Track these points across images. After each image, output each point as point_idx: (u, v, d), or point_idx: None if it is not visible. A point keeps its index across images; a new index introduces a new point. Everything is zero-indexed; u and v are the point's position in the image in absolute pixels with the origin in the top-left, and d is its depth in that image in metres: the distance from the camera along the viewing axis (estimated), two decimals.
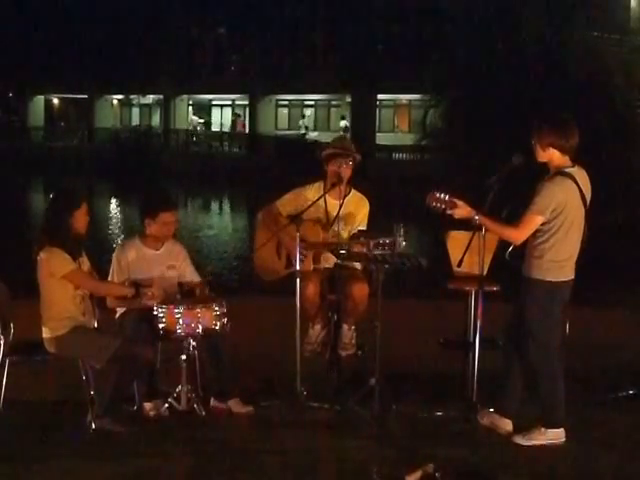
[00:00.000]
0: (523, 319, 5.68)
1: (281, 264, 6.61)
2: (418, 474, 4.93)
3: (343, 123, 44.29)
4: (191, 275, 6.47)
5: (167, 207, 6.34)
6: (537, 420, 5.71)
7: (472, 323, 6.37)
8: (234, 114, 48.43)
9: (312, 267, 6.48)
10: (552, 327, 5.66)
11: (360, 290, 6.26)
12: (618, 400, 6.48)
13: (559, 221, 5.55)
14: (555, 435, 5.66)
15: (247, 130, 46.35)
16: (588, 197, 5.69)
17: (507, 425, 5.83)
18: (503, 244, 5.83)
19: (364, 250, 5.90)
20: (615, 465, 5.38)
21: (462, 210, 5.66)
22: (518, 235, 5.60)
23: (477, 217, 5.63)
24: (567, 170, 5.59)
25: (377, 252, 5.82)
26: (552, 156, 5.63)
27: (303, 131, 44.09)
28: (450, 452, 5.46)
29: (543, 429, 5.66)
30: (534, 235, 5.61)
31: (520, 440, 5.68)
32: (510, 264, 5.72)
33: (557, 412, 5.67)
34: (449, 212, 5.67)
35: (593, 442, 5.70)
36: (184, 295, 6.38)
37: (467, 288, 6.57)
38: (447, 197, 5.66)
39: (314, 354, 6.48)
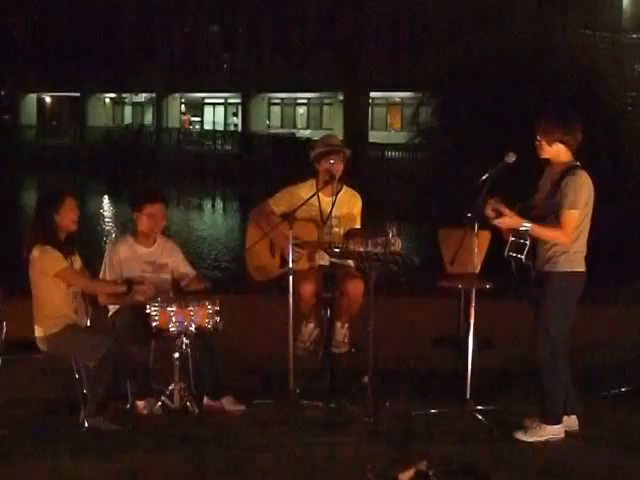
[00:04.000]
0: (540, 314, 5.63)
1: (275, 263, 6.57)
2: (411, 472, 4.93)
3: (234, 120, 44.28)
4: (185, 268, 6.46)
5: (151, 199, 6.36)
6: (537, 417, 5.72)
7: (465, 321, 6.37)
8: (181, 112, 48.94)
9: (307, 266, 6.48)
10: (565, 322, 5.64)
11: (356, 287, 6.24)
12: (614, 397, 6.49)
13: (585, 213, 5.58)
14: (554, 432, 5.67)
15: (194, 127, 47.83)
16: None
17: (572, 422, 5.81)
18: (497, 242, 5.81)
19: (361, 248, 5.88)
20: (613, 462, 5.38)
21: (511, 220, 5.56)
22: (566, 236, 5.53)
23: (529, 225, 5.53)
24: (579, 164, 5.62)
25: (373, 250, 5.79)
26: (558, 152, 5.64)
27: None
28: (443, 449, 5.46)
29: (543, 425, 5.67)
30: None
31: (521, 436, 5.68)
32: (528, 266, 5.65)
33: (557, 409, 5.68)
34: (495, 222, 5.62)
35: (591, 439, 5.70)
36: (179, 291, 6.37)
37: (460, 286, 6.57)
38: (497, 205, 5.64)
39: (307, 352, 6.48)
